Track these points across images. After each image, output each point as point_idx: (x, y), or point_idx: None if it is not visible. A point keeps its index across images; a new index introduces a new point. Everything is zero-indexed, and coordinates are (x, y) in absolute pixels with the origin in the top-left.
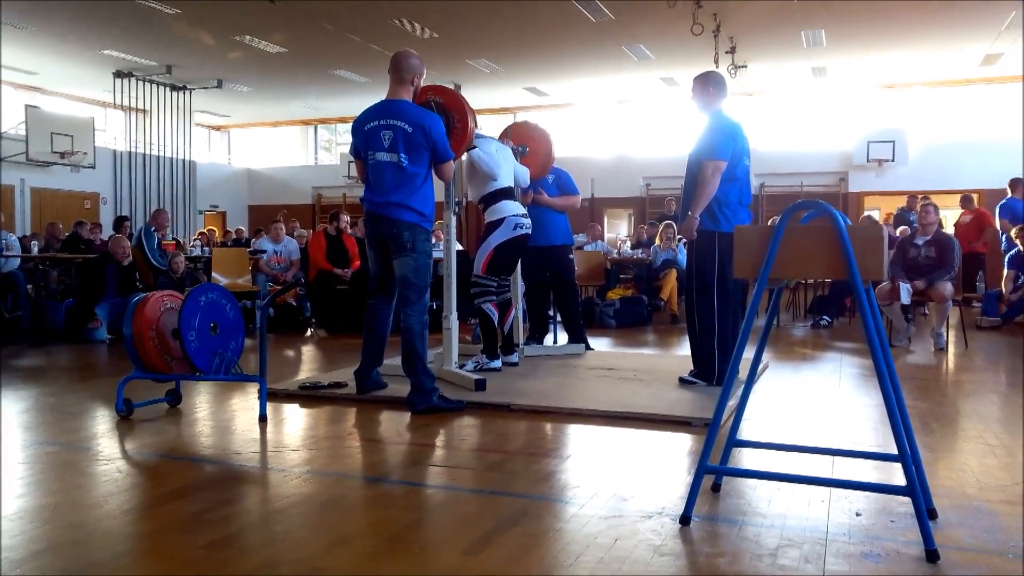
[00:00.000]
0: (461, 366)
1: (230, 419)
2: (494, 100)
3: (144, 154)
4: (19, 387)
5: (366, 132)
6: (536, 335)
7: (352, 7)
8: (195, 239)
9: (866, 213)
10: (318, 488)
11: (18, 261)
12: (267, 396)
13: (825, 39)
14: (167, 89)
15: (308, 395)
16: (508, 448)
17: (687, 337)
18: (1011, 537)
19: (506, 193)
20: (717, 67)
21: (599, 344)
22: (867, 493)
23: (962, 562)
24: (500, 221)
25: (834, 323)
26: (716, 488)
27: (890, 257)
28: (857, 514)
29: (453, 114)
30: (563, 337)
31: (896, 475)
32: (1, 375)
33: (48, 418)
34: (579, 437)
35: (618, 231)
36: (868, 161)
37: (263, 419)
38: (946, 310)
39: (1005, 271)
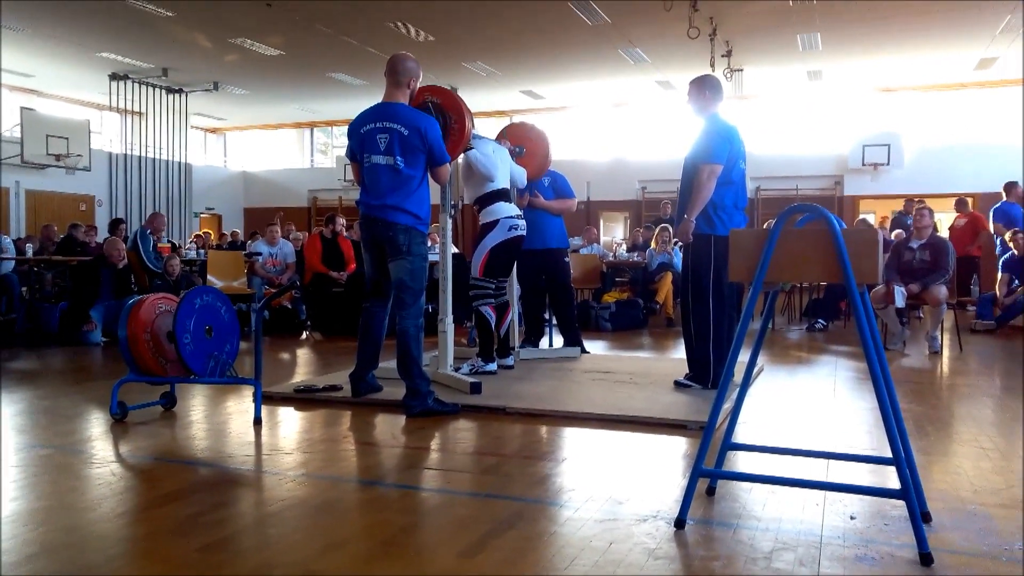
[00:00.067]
0: (456, 369)
1: (225, 422)
2: (490, 103)
3: (140, 157)
4: (13, 390)
5: (362, 135)
6: (532, 338)
7: (348, 10)
8: (191, 242)
9: (861, 217)
10: (313, 491)
11: (13, 263)
12: (262, 399)
13: (821, 43)
14: (163, 92)
15: (303, 398)
16: (503, 451)
17: (682, 340)
18: (1005, 540)
19: (502, 195)
20: (713, 70)
21: (595, 347)
22: (862, 496)
23: (956, 565)
24: (495, 223)
25: (829, 326)
26: (711, 491)
27: (885, 261)
28: (852, 517)
29: (450, 115)
30: (559, 340)
31: (890, 478)
32: None
33: (42, 421)
34: (574, 440)
35: (614, 234)
36: (863, 165)
37: (258, 422)
38: (940, 313)
39: (999, 275)
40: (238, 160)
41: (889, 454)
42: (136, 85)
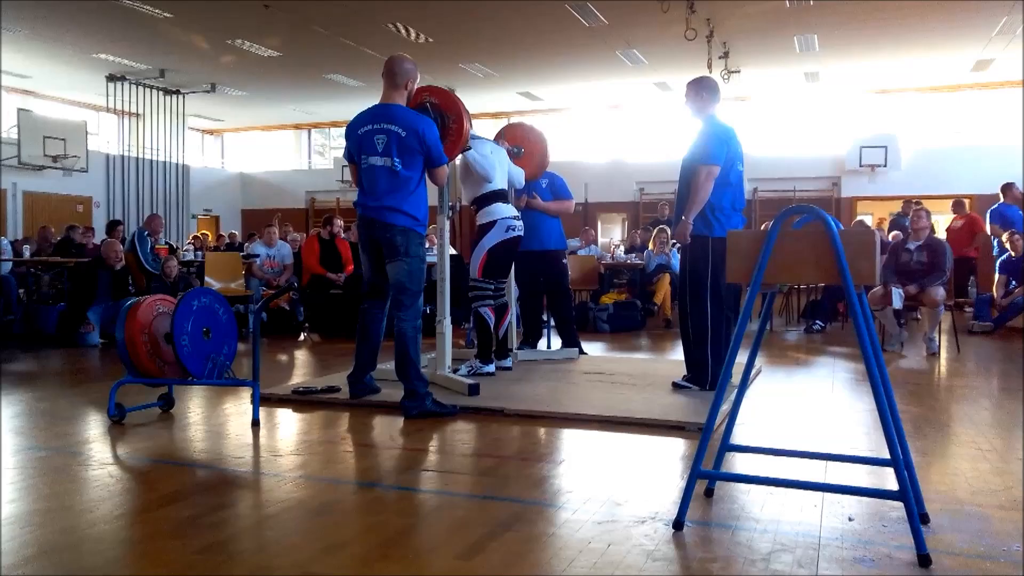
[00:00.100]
0: (455, 371)
1: (223, 424)
2: (488, 104)
3: (137, 158)
4: (11, 391)
5: (360, 136)
6: (530, 339)
7: (346, 11)
8: (188, 243)
9: (858, 218)
10: (311, 493)
11: (10, 265)
12: (260, 401)
13: (818, 44)
14: (160, 93)
15: (301, 400)
16: (501, 453)
17: (680, 342)
18: (1003, 541)
19: (499, 195)
20: (710, 72)
21: (593, 349)
22: (860, 498)
23: (954, 566)
24: (492, 224)
25: (827, 328)
26: (709, 493)
27: (882, 262)
28: (850, 519)
29: (448, 115)
30: (557, 342)
31: (889, 480)
32: None
33: (40, 423)
34: (573, 442)
35: (612, 236)
36: (861, 166)
37: (256, 424)
38: (938, 315)
39: (996, 276)
40: (236, 161)
41: (887, 455)
42: (133, 86)
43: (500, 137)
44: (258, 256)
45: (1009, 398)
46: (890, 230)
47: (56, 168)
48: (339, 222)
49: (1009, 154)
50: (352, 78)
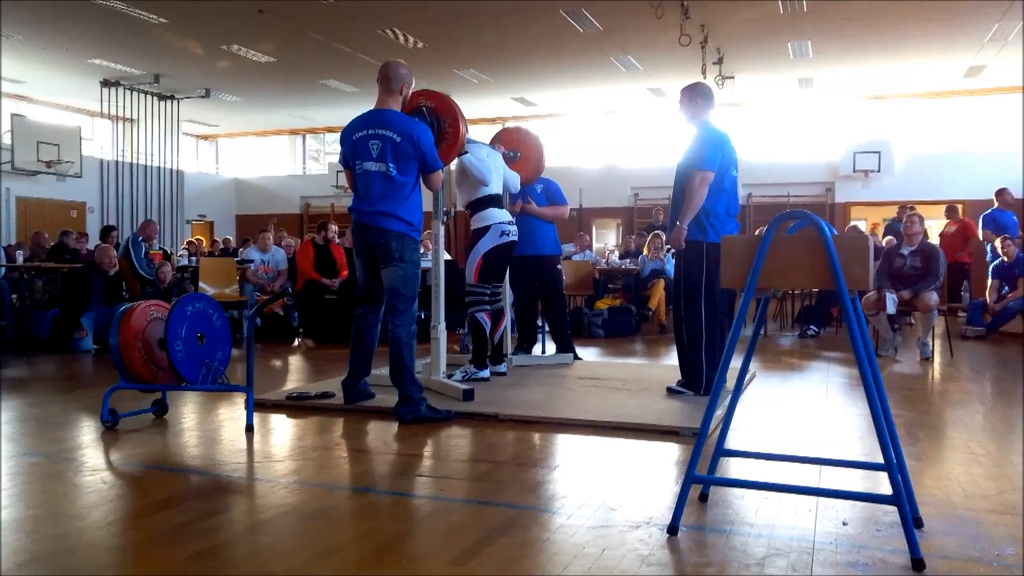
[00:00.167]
0: (449, 376)
1: (217, 429)
2: (482, 110)
3: (131, 163)
4: (3, 397)
5: (354, 141)
6: (524, 345)
7: (340, 17)
8: (183, 248)
9: (852, 223)
10: (305, 499)
11: (3, 270)
12: (254, 406)
13: (811, 50)
14: (155, 98)
15: (295, 405)
16: (496, 458)
17: (675, 347)
18: (996, 545)
19: (494, 200)
20: (704, 78)
21: (587, 354)
22: (854, 502)
23: (948, 571)
24: (486, 228)
25: (821, 333)
26: (704, 498)
27: (876, 267)
28: (844, 523)
29: (444, 119)
30: (551, 347)
31: (882, 484)
32: None
33: (32, 428)
34: (567, 447)
35: (606, 241)
36: (854, 171)
37: (250, 429)
38: (931, 320)
39: (989, 281)
40: (230, 167)
41: (881, 460)
42: (128, 91)
43: (496, 141)
44: (252, 261)
45: (1002, 402)
46: (885, 235)
47: (50, 173)
48: (334, 227)
49: (1002, 159)
50: (347, 83)
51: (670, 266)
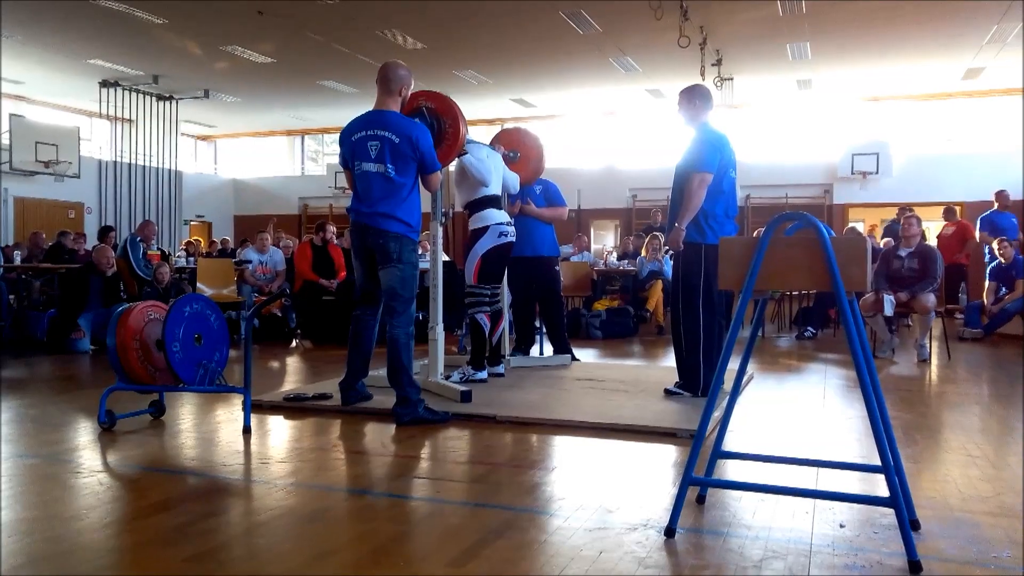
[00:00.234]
0: (447, 377)
1: (214, 431)
2: (481, 111)
3: (130, 164)
4: (0, 398)
5: (353, 142)
6: (522, 346)
7: (339, 18)
8: (181, 249)
9: (850, 225)
10: (302, 500)
11: (1, 271)
12: (251, 408)
13: (810, 52)
14: (153, 99)
15: (293, 407)
16: (493, 460)
17: (672, 348)
18: (993, 548)
19: (492, 201)
20: (703, 79)
21: (585, 355)
22: (851, 504)
23: (944, 573)
24: (485, 229)
25: (818, 334)
26: (701, 500)
27: (874, 269)
28: (841, 525)
29: (444, 119)
30: (549, 348)
31: (879, 486)
32: None
33: (29, 429)
34: (565, 449)
35: (604, 242)
36: (852, 173)
37: (247, 431)
38: (929, 321)
39: (987, 283)
40: (228, 167)
41: (878, 462)
42: (126, 92)
43: (496, 142)
44: (250, 262)
45: (999, 404)
46: (884, 237)
47: (48, 174)
48: (332, 228)
49: (1000, 161)
50: (345, 84)
51: (668, 267)
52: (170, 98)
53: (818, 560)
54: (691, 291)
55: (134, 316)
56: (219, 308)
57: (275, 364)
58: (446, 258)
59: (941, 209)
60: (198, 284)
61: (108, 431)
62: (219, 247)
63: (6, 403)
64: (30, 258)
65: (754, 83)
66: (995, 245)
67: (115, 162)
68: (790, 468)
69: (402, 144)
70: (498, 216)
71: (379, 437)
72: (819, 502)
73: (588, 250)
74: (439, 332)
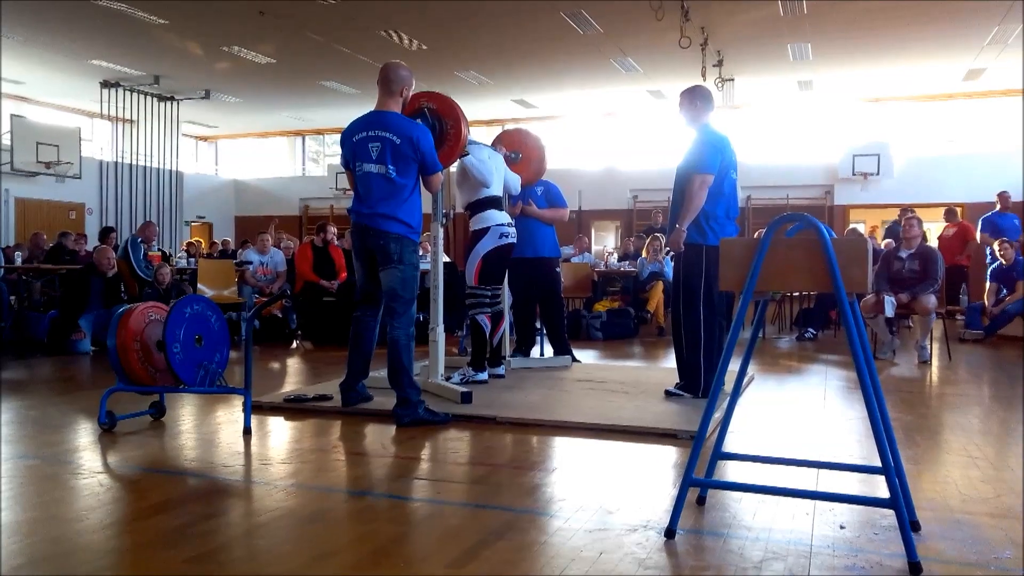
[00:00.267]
0: (447, 378)
1: (214, 432)
2: (482, 112)
3: (131, 164)
4: (1, 399)
5: (354, 143)
6: (523, 347)
7: (340, 18)
8: (181, 250)
9: (851, 226)
10: (302, 502)
11: (1, 271)
12: (252, 409)
13: (811, 53)
14: (155, 99)
15: (293, 408)
16: (494, 461)
17: (673, 350)
18: (993, 549)
19: (493, 202)
20: (704, 80)
21: (586, 356)
22: (851, 505)
23: (945, 574)
24: (485, 230)
25: (819, 335)
26: (701, 501)
27: (875, 270)
28: (841, 527)
29: (446, 120)
30: (550, 349)
31: (880, 487)
32: None
33: (29, 431)
34: (565, 450)
35: (605, 243)
36: (853, 174)
37: (247, 432)
38: (930, 323)
39: (988, 284)
40: (229, 168)
41: (878, 463)
42: (127, 93)
43: (498, 143)
44: (251, 263)
45: (1000, 406)
46: (885, 238)
47: (49, 174)
48: (333, 229)
49: (1001, 162)
50: (346, 85)
51: (669, 269)
52: (171, 99)
53: (818, 561)
54: (692, 292)
55: (135, 317)
56: (220, 309)
57: (276, 365)
58: (447, 259)
59: (942, 210)
60: (199, 285)
61: (108, 432)
62: (220, 248)
63: (6, 404)
64: (31, 259)
65: (755, 84)
66: (996, 246)
67: (116, 163)
68: (790, 469)
69: (403, 145)
70: (499, 217)
71: (379, 438)
72: (819, 503)
73: (589, 251)
74: (439, 333)
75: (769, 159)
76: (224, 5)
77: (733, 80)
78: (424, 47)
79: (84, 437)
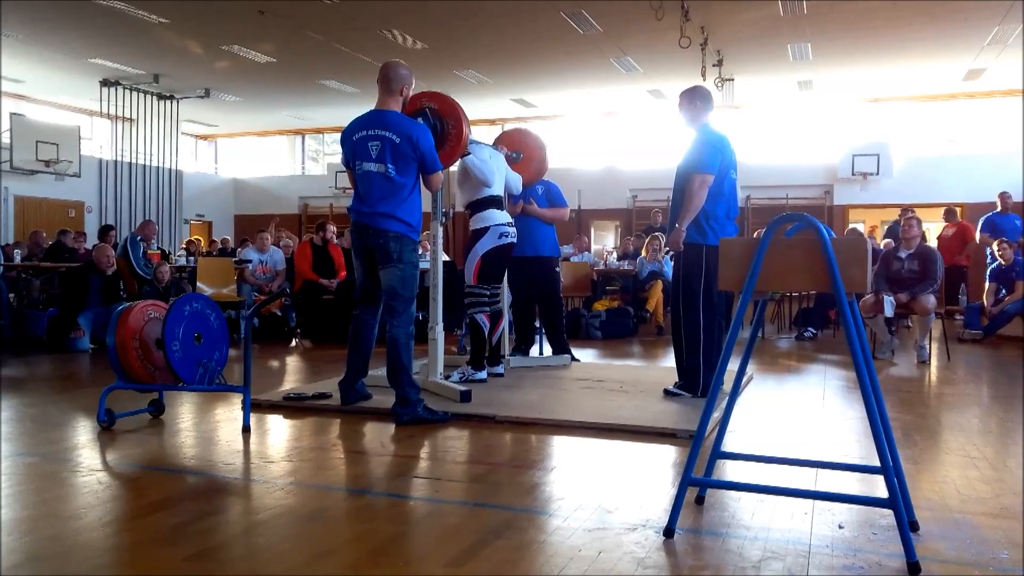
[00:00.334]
0: (446, 377)
1: (213, 430)
2: (482, 111)
3: (130, 163)
4: (0, 397)
5: (354, 142)
6: (522, 346)
7: (340, 17)
8: (181, 248)
9: (851, 226)
10: (301, 500)
11: (1, 270)
12: (251, 407)
13: (811, 53)
14: (154, 98)
15: (292, 406)
16: (493, 460)
17: (672, 349)
18: (992, 549)
19: (494, 202)
20: (704, 80)
21: (585, 355)
22: (850, 505)
23: (943, 574)
24: (485, 230)
25: (818, 335)
26: (700, 500)
27: (874, 270)
28: (840, 526)
29: (447, 120)
30: (549, 348)
31: (879, 487)
32: None
33: (28, 428)
34: (564, 449)
35: (605, 242)
36: (853, 174)
37: (246, 430)
38: (929, 323)
39: (987, 284)
40: (229, 167)
41: (877, 463)
42: (127, 91)
43: (499, 142)
44: (250, 262)
45: (999, 406)
46: (885, 238)
47: (48, 173)
48: (332, 228)
49: (1001, 163)
50: (346, 84)
51: (668, 268)
52: (171, 97)
53: (817, 561)
54: (691, 292)
55: (134, 315)
56: (219, 307)
57: (275, 363)
58: (446, 258)
59: (942, 210)
60: (198, 283)
61: (107, 430)
62: (219, 246)
63: (6, 402)
64: (30, 257)
65: (755, 84)
66: (995, 246)
67: (116, 161)
68: (789, 469)
69: (403, 144)
70: (499, 217)
71: (378, 437)
72: (818, 503)
73: (588, 250)
74: (439, 332)
75: (769, 159)
76: (224, 4)
77: (733, 80)
78: (424, 46)
79: (83, 435)
